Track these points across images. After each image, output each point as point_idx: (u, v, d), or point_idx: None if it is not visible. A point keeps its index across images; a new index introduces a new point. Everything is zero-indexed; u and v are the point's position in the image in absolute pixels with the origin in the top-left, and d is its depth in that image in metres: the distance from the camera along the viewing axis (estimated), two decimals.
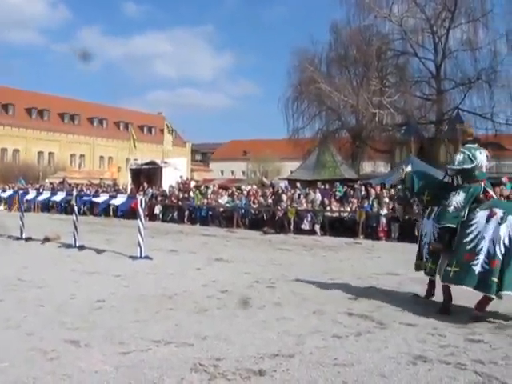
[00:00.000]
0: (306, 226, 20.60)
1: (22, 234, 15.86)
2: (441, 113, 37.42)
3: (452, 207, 7.30)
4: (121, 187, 31.86)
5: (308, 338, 6.04)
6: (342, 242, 17.44)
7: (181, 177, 30.45)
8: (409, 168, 8.93)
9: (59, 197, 18.70)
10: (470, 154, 7.36)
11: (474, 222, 7.07)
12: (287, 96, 41.60)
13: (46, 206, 30.38)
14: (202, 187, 28.77)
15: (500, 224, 6.82)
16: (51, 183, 38.88)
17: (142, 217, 12.85)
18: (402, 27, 37.51)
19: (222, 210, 24.22)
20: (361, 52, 38.15)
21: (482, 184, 7.46)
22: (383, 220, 19.07)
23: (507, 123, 34.68)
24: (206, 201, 25.39)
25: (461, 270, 7.00)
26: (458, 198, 7.34)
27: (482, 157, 7.47)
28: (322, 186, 24.36)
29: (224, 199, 24.74)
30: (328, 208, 21.01)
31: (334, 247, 16.09)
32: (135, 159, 34.03)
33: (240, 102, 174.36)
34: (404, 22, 37.45)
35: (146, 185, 29.21)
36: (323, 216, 20.62)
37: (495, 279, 6.70)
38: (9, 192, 25.80)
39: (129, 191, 28.64)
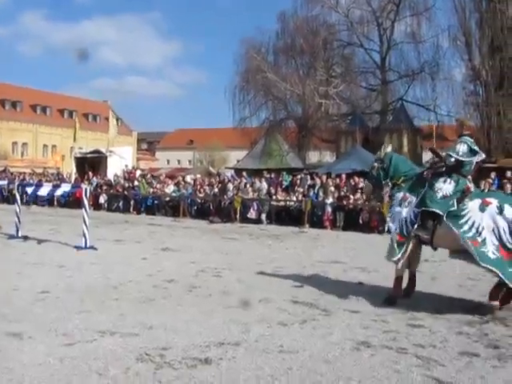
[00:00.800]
0: (252, 215, 20.68)
1: None
2: (385, 103, 38.11)
3: (441, 194, 7.17)
4: (65, 176, 31.25)
5: (254, 326, 6.10)
6: (288, 231, 17.61)
7: (126, 166, 30.14)
8: (389, 148, 8.76)
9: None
10: (472, 147, 7.30)
11: (465, 211, 6.97)
12: (234, 85, 41.76)
13: None
14: (148, 176, 28.53)
15: (499, 214, 6.76)
16: None
17: (87, 206, 12.67)
18: (348, 18, 38.04)
19: (168, 199, 24.08)
20: (307, 42, 38.44)
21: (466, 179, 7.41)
22: (329, 209, 19.30)
23: (449, 115, 35.58)
24: (151, 190, 25.21)
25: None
26: (447, 187, 7.21)
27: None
28: (268, 175, 24.50)
29: (170, 188, 24.60)
30: (274, 197, 21.16)
31: (280, 236, 16.22)
32: (80, 148, 33.46)
33: (187, 90, 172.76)
34: (350, 13, 38.03)
35: (90, 174, 28.76)
36: (269, 205, 20.73)
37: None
38: None
39: (73, 180, 28.18)
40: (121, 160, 30.13)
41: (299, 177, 23.82)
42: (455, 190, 7.17)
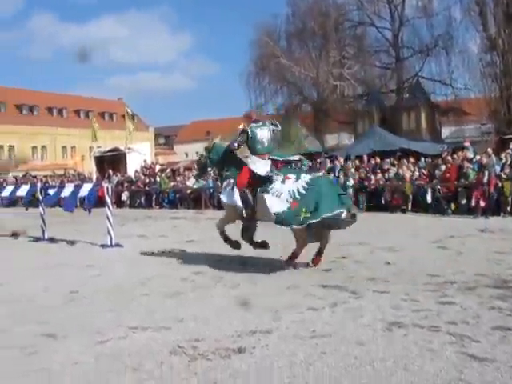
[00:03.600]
0: None
1: None
2: (401, 81, 37.66)
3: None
4: (86, 176, 31.48)
5: (284, 312, 6.10)
6: None
7: (145, 161, 30.26)
8: (217, 140, 10.41)
9: (23, 190, 18.41)
10: (249, 131, 8.79)
11: (272, 185, 8.35)
12: (248, 72, 41.58)
13: (11, 201, 29.85)
14: (168, 170, 28.62)
15: (294, 183, 8.20)
16: (15, 177, 38.25)
17: (110, 204, 12.74)
18: None
19: (189, 191, 24.14)
20: (318, 24, 38.14)
21: (267, 157, 8.70)
22: (350, 191, 19.20)
23: (466, 88, 35.09)
24: (172, 184, 25.29)
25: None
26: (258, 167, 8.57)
27: (262, 132, 8.81)
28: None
29: (191, 181, 24.64)
30: None
31: None
32: (98, 147, 33.66)
33: (201, 82, 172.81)
34: None
35: (110, 172, 28.92)
36: None
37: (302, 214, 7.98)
38: None
39: (94, 179, 28.36)
40: (140, 156, 30.28)
41: (319, 161, 23.72)
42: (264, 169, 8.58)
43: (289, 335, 5.32)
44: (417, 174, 19.01)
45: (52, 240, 13.52)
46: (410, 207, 18.00)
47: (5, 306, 7.06)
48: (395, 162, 20.78)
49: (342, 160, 22.08)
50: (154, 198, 25.15)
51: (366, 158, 22.04)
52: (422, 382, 4.11)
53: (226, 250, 10.67)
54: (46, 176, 34.36)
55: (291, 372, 4.39)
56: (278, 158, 8.90)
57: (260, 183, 8.50)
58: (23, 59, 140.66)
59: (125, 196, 26.42)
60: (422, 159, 21.46)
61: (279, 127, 9.36)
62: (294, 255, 8.78)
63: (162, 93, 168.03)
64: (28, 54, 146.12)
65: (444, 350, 4.74)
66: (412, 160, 20.70)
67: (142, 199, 25.80)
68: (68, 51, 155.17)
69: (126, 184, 27.21)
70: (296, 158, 9.44)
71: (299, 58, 38.64)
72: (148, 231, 14.99)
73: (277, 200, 8.20)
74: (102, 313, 6.44)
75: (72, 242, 12.99)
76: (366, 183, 19.41)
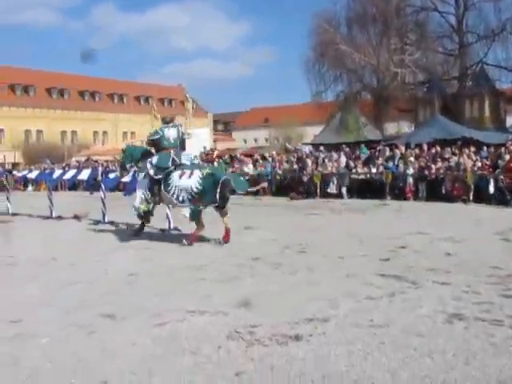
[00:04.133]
0: (332, 189, 20.49)
1: (51, 213, 16.01)
2: (464, 68, 36.64)
3: (154, 168, 10.62)
4: None
5: (341, 300, 6.05)
6: (370, 204, 17.32)
7: (204, 147, 30.42)
8: (132, 142, 13.50)
9: (85, 174, 18.83)
10: (159, 131, 10.93)
11: (171, 179, 10.43)
12: (307, 59, 41.12)
13: (73, 185, 30.60)
14: (226, 156, 28.74)
15: (189, 177, 10.21)
16: (77, 161, 39.14)
17: None
18: None
19: (247, 178, 24.17)
20: (379, 10, 37.41)
21: (172, 151, 10.70)
22: (410, 180, 18.88)
23: None
24: (231, 170, 25.38)
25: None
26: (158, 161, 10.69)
27: (170, 131, 10.92)
28: (347, 149, 24.15)
29: (249, 167, 24.68)
30: (354, 170, 20.86)
31: (362, 209, 16.00)
32: None
33: (259, 69, 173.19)
34: None
35: None
36: (349, 179, 20.48)
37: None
38: (35, 172, 25.97)
39: None
40: (199, 142, 30.45)
41: (378, 149, 23.39)
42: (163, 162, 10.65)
43: (346, 323, 5.27)
44: (479, 163, 18.52)
45: (112, 223, 13.77)
46: (471, 197, 17.55)
47: (68, 287, 7.24)
48: (456, 151, 20.29)
49: (402, 148, 21.67)
50: None
51: (425, 146, 21.57)
52: (485, 378, 4.00)
53: (284, 236, 10.69)
54: (106, 161, 34.97)
55: (349, 361, 4.35)
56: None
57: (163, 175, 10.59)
58: (85, 46, 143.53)
59: None
60: (485, 148, 20.90)
61: (185, 134, 12.55)
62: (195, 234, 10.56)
63: (221, 80, 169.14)
64: (90, 43, 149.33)
65: (507, 344, 4.60)
66: (473, 149, 20.19)
67: None
68: (128, 39, 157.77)
69: None
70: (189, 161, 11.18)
71: (359, 44, 38.03)
72: (205, 216, 15.04)
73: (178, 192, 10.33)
74: (159, 296, 6.52)
75: (131, 226, 13.18)
76: (426, 172, 19.00)
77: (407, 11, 38.52)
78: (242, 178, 12.24)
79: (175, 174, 10.45)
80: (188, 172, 10.35)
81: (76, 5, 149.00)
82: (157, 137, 10.94)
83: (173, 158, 10.59)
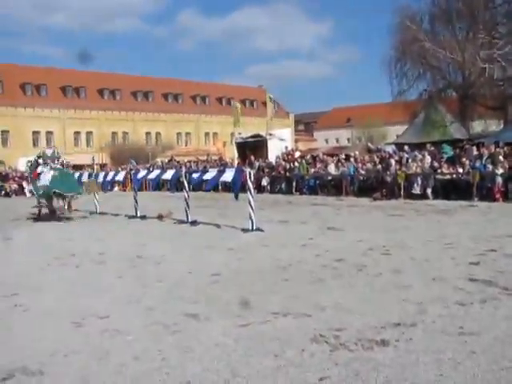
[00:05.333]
0: (416, 190, 19.97)
1: (136, 213, 16.39)
2: None
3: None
4: (228, 161, 32.23)
5: (429, 305, 5.81)
6: (456, 205, 16.74)
7: (286, 147, 30.37)
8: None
9: (169, 174, 19.16)
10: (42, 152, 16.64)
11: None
12: (389, 58, 40.33)
13: (157, 185, 31.25)
14: (308, 157, 28.58)
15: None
16: (161, 162, 39.98)
17: (252, 189, 12.84)
18: None
19: (329, 178, 23.99)
20: (466, 3, 36.15)
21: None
22: (499, 180, 18.13)
23: None
24: (312, 170, 25.23)
25: None
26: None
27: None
28: (432, 148, 23.45)
29: (331, 167, 24.45)
30: (439, 170, 20.25)
31: (448, 211, 15.48)
32: (239, 133, 34.30)
33: (341, 68, 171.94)
34: None
35: (252, 158, 29.35)
36: (434, 179, 19.89)
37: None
38: (122, 173, 26.66)
39: (235, 165, 28.92)
40: (280, 142, 30.46)
41: (464, 148, 22.59)
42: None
43: (435, 330, 5.05)
44: None
45: (195, 223, 13.92)
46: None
47: (153, 286, 7.34)
48: None
49: (491, 148, 20.84)
50: (294, 183, 25.22)
51: None
52: None
53: (368, 238, 10.48)
54: (189, 161, 35.52)
55: (438, 370, 4.13)
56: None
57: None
58: (169, 51, 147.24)
59: (265, 181, 26.74)
60: None
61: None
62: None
63: (302, 80, 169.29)
64: (174, 46, 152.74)
65: None
66: None
67: (283, 185, 25.98)
68: (210, 42, 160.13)
69: (266, 170, 27.50)
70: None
71: (444, 41, 36.93)
72: (288, 216, 15.03)
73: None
74: (243, 296, 6.47)
75: (214, 225, 13.30)
76: None
77: (496, 2, 36.97)
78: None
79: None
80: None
81: (161, 11, 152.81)
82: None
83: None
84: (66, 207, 16.73)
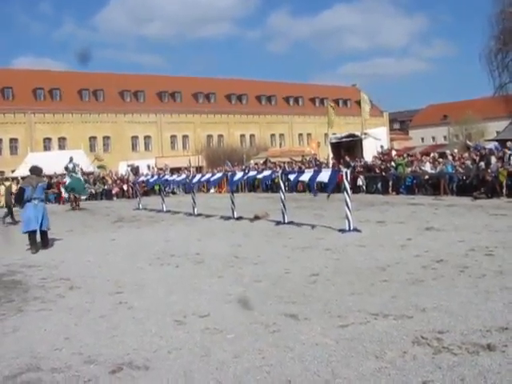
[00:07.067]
0: None
1: (233, 214, 16.62)
2: None
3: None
4: (322, 162, 32.15)
5: None
6: None
7: (382, 147, 29.91)
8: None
9: (264, 176, 19.37)
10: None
11: None
12: (489, 49, 38.64)
13: (252, 187, 31.66)
14: (405, 155, 28.04)
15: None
16: (256, 163, 40.41)
17: (349, 189, 12.71)
18: None
19: (427, 177, 23.42)
20: None
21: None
22: None
23: None
24: (409, 169, 24.73)
25: None
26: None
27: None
28: None
29: (427, 166, 23.87)
30: None
31: None
32: (334, 133, 34.10)
33: (436, 64, 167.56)
34: None
35: (347, 157, 29.11)
36: None
37: None
38: (218, 175, 27.12)
39: (330, 165, 28.78)
40: (375, 141, 30.04)
41: None
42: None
43: None
44: None
45: (292, 223, 13.96)
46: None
47: (250, 285, 7.44)
48: None
49: None
50: (390, 183, 24.82)
51: None
52: None
53: (469, 238, 10.16)
54: (284, 162, 35.70)
55: None
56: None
57: None
58: (261, 53, 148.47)
59: (360, 181, 26.48)
60: None
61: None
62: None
63: (396, 78, 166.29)
64: (264, 48, 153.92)
65: None
66: None
67: (379, 185, 25.63)
68: (301, 43, 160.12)
69: (361, 169, 27.21)
70: None
71: None
72: (385, 216, 14.79)
73: None
74: (342, 297, 6.45)
75: (311, 226, 13.29)
76: None
77: None
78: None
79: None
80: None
81: (252, 15, 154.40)
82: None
83: None
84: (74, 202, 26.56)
